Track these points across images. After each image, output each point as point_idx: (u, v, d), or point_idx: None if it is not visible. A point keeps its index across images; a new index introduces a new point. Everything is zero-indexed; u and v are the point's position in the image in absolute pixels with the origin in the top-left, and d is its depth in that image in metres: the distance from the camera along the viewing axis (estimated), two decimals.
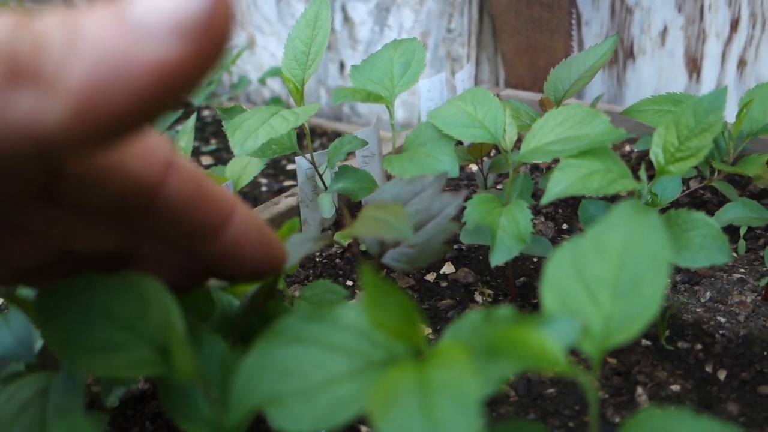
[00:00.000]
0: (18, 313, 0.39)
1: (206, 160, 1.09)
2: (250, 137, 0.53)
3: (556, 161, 0.63)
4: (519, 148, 0.64)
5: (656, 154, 0.46)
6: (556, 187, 0.43)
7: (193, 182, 0.29)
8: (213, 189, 0.30)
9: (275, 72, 1.28)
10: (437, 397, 0.25)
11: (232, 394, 0.29)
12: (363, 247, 0.67)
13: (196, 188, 0.29)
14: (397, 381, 0.26)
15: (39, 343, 0.39)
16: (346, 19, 1.25)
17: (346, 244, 0.68)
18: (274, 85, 1.45)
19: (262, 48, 1.42)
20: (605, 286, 0.29)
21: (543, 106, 0.65)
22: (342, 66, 1.31)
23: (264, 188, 1.00)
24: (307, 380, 0.29)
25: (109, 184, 0.27)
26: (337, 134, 1.21)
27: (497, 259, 0.47)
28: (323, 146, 1.16)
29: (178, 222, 0.29)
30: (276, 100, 1.35)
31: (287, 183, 1.01)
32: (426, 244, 0.45)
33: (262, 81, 1.34)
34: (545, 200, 0.43)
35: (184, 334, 0.29)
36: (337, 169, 0.60)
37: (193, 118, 0.65)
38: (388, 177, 0.75)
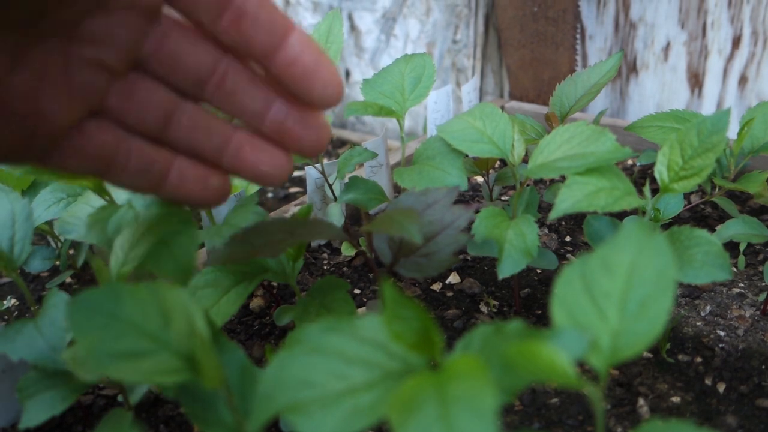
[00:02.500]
0: (50, 318, 0.40)
1: None
2: None
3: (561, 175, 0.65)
4: (525, 161, 0.65)
5: (661, 173, 0.47)
6: (564, 204, 0.45)
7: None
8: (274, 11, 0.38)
9: None
10: (455, 407, 0.26)
11: (255, 402, 0.30)
12: (350, 252, 0.68)
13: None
14: (416, 391, 0.27)
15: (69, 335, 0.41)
16: (353, 27, 1.26)
17: (353, 254, 0.69)
18: None
19: None
20: (613, 303, 0.31)
21: (549, 121, 0.67)
22: (348, 74, 1.33)
23: (270, 194, 1.01)
24: (327, 389, 0.30)
25: None
26: (343, 142, 1.22)
27: (505, 271, 0.48)
28: (328, 153, 1.18)
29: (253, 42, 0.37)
30: None
31: (293, 190, 1.02)
32: (436, 254, 0.46)
33: None
34: (553, 216, 0.45)
35: (210, 342, 0.31)
36: (347, 180, 0.61)
37: None
38: (396, 187, 0.76)
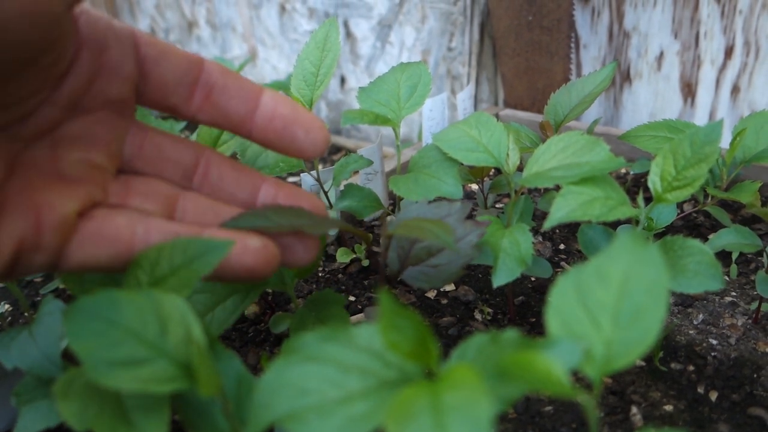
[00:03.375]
0: (44, 326, 0.40)
1: None
2: (260, 156, 0.55)
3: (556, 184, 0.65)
4: (520, 170, 0.65)
5: (654, 183, 0.48)
6: (559, 213, 0.45)
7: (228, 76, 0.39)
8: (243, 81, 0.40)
9: (277, 85, 1.30)
10: (450, 417, 0.26)
11: (252, 410, 0.30)
12: (345, 258, 0.68)
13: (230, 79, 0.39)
14: (412, 400, 0.28)
15: (64, 342, 0.41)
16: (349, 34, 1.27)
17: (348, 261, 0.69)
18: None
19: (263, 60, 1.44)
20: (607, 313, 0.31)
21: (543, 130, 0.67)
22: (343, 80, 1.33)
23: None
24: (324, 398, 0.30)
25: None
26: (338, 148, 1.22)
27: (500, 280, 0.48)
28: (324, 160, 1.18)
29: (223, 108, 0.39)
30: None
31: None
32: (446, 266, 0.46)
33: None
34: (547, 225, 0.45)
35: (207, 351, 0.31)
36: (342, 187, 0.61)
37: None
38: (391, 195, 0.76)
